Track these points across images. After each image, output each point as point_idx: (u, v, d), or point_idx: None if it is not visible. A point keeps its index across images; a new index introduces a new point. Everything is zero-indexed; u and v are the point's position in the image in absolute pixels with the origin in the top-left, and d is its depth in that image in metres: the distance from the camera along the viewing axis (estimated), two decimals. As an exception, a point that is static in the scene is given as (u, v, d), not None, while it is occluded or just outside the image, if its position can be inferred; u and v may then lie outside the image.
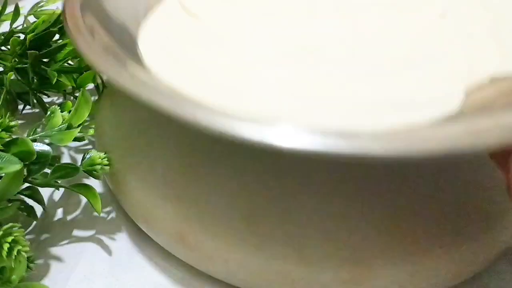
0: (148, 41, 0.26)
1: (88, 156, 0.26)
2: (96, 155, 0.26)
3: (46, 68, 0.31)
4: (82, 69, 0.31)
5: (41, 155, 0.25)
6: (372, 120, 0.21)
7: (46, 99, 0.34)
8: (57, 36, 0.32)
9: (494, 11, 0.28)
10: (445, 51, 0.25)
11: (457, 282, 0.24)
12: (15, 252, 0.21)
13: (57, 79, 0.30)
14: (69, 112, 0.28)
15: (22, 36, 0.31)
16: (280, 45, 0.26)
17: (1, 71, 0.32)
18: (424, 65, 0.24)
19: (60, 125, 0.27)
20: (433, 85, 0.23)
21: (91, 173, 0.26)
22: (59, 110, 0.28)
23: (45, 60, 0.31)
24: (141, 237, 0.27)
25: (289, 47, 0.26)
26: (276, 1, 0.30)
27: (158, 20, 0.28)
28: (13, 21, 0.32)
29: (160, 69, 0.23)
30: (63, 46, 0.31)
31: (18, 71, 0.31)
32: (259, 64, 0.25)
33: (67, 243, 0.27)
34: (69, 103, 0.29)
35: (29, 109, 0.34)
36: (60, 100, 0.35)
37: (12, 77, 0.31)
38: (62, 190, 0.30)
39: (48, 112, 0.28)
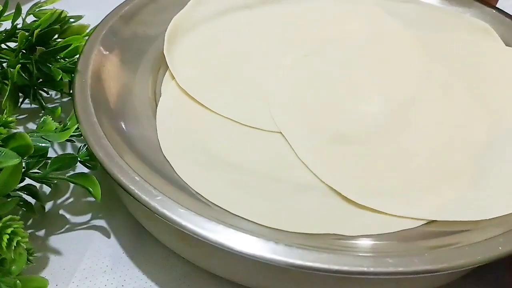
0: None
1: (84, 148, 0.26)
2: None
3: (50, 65, 0.31)
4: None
5: (39, 149, 0.25)
6: None
7: (44, 95, 0.34)
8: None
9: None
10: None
11: None
12: (14, 243, 0.21)
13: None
14: (60, 123, 0.28)
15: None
16: None
17: (2, 67, 0.33)
18: None
19: (53, 130, 0.27)
20: None
21: (88, 164, 0.26)
22: (51, 118, 0.28)
23: (46, 57, 0.31)
24: (143, 235, 0.28)
25: None
26: None
27: None
28: (14, 19, 0.33)
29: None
30: (67, 46, 0.31)
31: (21, 66, 0.31)
32: None
33: (70, 240, 0.27)
34: (59, 109, 0.29)
35: (27, 103, 0.34)
36: (58, 96, 0.36)
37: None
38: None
39: (41, 120, 0.28)
